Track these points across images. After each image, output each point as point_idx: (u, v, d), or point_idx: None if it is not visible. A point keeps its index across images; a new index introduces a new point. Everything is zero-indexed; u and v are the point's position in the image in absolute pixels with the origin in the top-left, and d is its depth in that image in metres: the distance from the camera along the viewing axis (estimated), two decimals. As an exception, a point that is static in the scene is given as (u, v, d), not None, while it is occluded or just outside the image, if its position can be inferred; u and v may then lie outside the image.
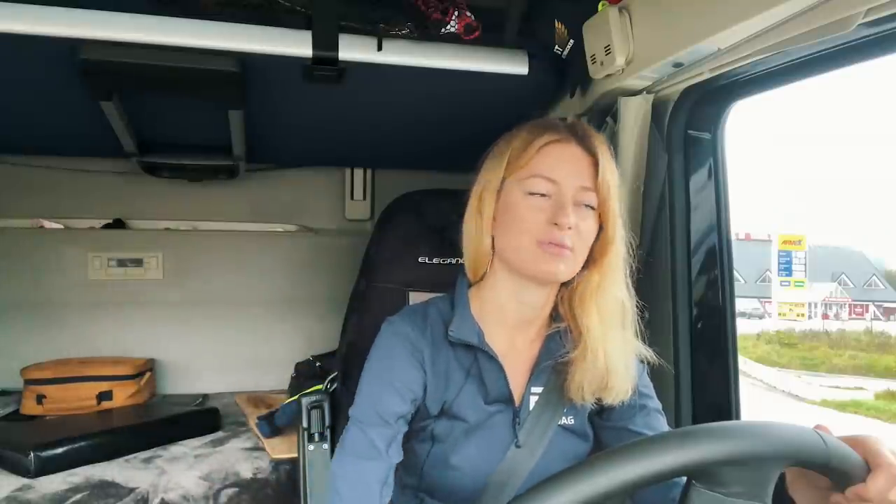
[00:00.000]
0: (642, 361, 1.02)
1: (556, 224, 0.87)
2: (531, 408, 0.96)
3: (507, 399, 0.95)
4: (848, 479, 0.66)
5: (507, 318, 0.97)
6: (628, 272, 0.96)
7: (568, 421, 0.97)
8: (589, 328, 0.92)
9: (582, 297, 0.94)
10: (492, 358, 0.94)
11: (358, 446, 0.89)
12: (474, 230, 0.96)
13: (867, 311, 30.92)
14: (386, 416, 0.91)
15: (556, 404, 0.96)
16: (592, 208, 0.91)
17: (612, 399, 0.93)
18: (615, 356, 0.92)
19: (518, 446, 0.94)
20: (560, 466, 0.93)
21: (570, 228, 0.88)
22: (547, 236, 0.88)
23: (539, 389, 0.97)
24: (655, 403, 1.02)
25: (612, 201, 0.91)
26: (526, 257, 0.90)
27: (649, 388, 1.02)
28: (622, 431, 0.99)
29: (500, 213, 0.94)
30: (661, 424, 1.00)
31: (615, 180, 0.92)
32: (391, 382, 0.92)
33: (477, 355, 0.95)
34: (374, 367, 0.95)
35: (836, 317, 29.43)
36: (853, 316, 30.13)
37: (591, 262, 0.94)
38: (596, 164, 0.90)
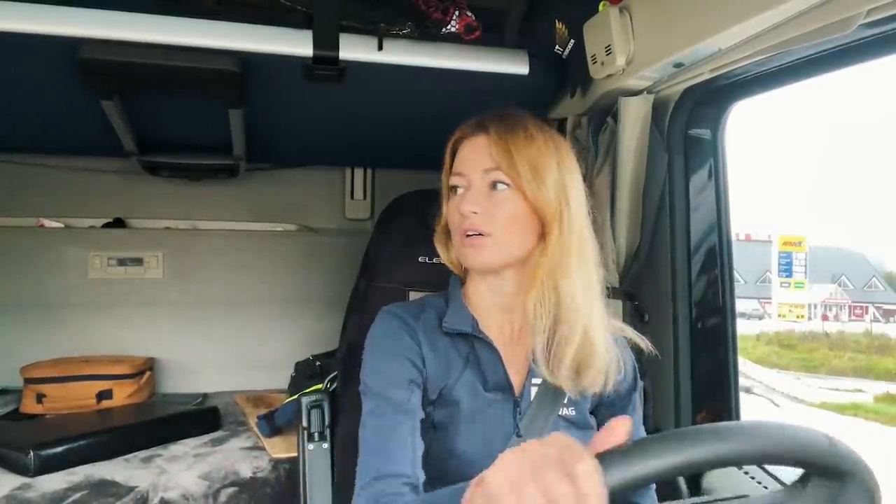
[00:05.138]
0: (640, 360, 1.04)
1: (462, 214, 0.92)
2: (532, 398, 0.97)
3: (507, 387, 0.97)
4: None
5: (491, 308, 1.00)
6: (591, 253, 0.95)
7: (569, 412, 0.98)
8: (526, 310, 0.93)
9: (529, 277, 0.94)
10: (488, 345, 0.96)
11: (378, 408, 0.91)
12: (434, 237, 1.04)
13: (867, 313, 30.90)
14: (398, 381, 0.92)
15: (556, 394, 0.97)
16: (507, 185, 0.91)
17: (589, 388, 0.93)
18: (566, 340, 0.91)
19: (519, 436, 0.95)
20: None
21: (475, 213, 0.91)
22: (462, 227, 0.92)
23: (539, 380, 0.98)
24: (640, 417, 1.06)
25: (523, 174, 0.90)
26: (458, 252, 0.96)
27: (641, 388, 1.06)
28: None
29: None
30: (640, 431, 1.04)
31: (527, 155, 0.91)
32: (397, 352, 0.95)
33: (474, 343, 0.97)
34: (378, 343, 0.97)
35: (836, 318, 29.40)
36: (853, 317, 30.09)
37: (539, 241, 0.94)
38: (491, 144, 0.92)
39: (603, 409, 1.04)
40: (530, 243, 0.93)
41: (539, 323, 0.92)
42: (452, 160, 0.98)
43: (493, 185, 0.92)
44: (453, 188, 0.96)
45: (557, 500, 0.48)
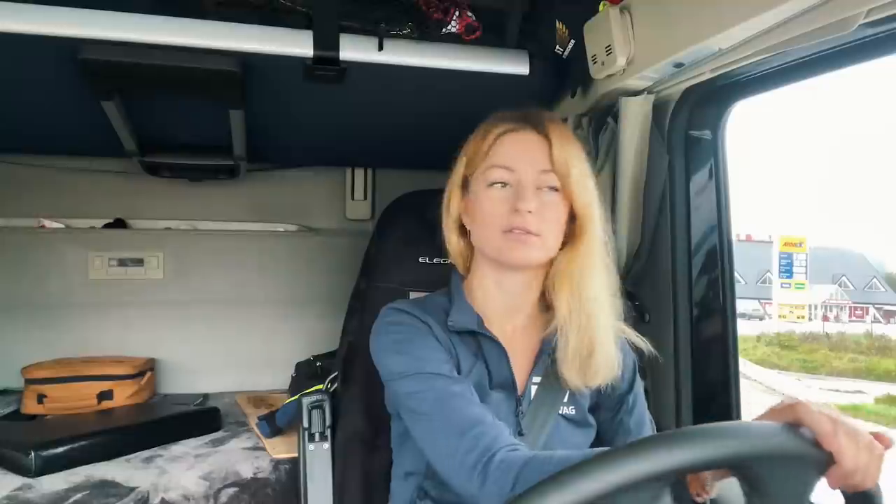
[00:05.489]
0: (637, 358, 1.05)
1: (516, 210, 0.90)
2: (532, 396, 0.97)
3: (511, 386, 0.97)
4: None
5: (495, 307, 1.00)
6: (607, 256, 0.98)
7: (569, 410, 0.98)
8: (559, 310, 0.95)
9: (554, 280, 0.96)
10: (494, 342, 0.96)
11: (427, 384, 0.88)
12: (445, 228, 1.01)
13: (867, 314, 30.87)
14: (438, 359, 0.91)
15: (556, 393, 0.97)
16: (556, 190, 0.93)
17: (594, 382, 0.95)
18: (592, 339, 0.93)
19: (521, 434, 0.95)
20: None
21: (530, 213, 0.90)
22: (510, 223, 0.91)
23: (538, 379, 0.98)
24: (643, 406, 1.06)
25: (575, 181, 0.93)
26: (495, 247, 0.93)
27: (641, 383, 1.06)
28: (611, 432, 1.03)
29: (469, 208, 0.98)
30: (646, 428, 1.04)
31: (578, 161, 0.94)
32: (425, 337, 0.94)
33: (480, 341, 0.97)
34: (399, 331, 0.95)
35: (837, 319, 29.36)
36: (853, 318, 30.05)
37: (565, 244, 0.96)
38: (552, 148, 0.93)
39: (602, 409, 1.04)
40: (560, 245, 0.96)
41: (570, 325, 0.93)
42: (482, 150, 0.96)
43: (546, 187, 0.92)
44: (495, 181, 0.94)
45: (862, 440, 0.59)
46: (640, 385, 1.06)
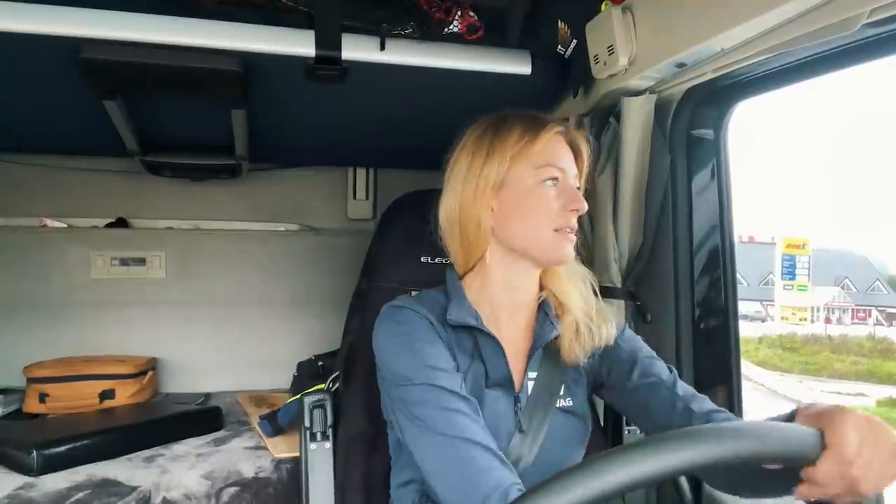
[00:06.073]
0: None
1: (573, 210, 0.93)
2: (530, 392, 0.97)
3: (508, 383, 0.96)
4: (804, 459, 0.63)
5: (500, 305, 1.00)
6: None
7: (566, 403, 0.99)
8: (566, 294, 1.00)
9: (556, 269, 1.01)
10: (491, 339, 0.96)
11: (434, 397, 0.86)
12: (474, 220, 0.96)
13: (869, 316, 30.80)
14: (444, 366, 0.90)
15: (553, 386, 0.98)
16: (578, 190, 0.98)
17: (604, 341, 0.99)
18: (590, 308, 1.00)
19: (521, 431, 0.94)
20: (562, 450, 0.96)
21: (577, 212, 0.94)
22: (563, 222, 0.93)
23: (534, 374, 0.99)
24: (647, 351, 1.04)
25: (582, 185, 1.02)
26: (541, 244, 0.95)
27: (636, 339, 1.05)
28: (625, 393, 1.02)
29: (509, 202, 0.95)
30: (658, 367, 1.01)
31: None
32: (430, 339, 0.93)
33: (476, 339, 0.97)
34: (404, 333, 0.93)
35: (839, 321, 29.29)
36: (855, 321, 29.98)
37: None
38: (575, 153, 0.99)
39: (612, 375, 1.03)
40: None
41: (577, 300, 0.99)
42: (535, 147, 0.95)
43: (576, 188, 0.97)
44: (549, 177, 0.95)
45: None
46: (625, 329, 1.07)
